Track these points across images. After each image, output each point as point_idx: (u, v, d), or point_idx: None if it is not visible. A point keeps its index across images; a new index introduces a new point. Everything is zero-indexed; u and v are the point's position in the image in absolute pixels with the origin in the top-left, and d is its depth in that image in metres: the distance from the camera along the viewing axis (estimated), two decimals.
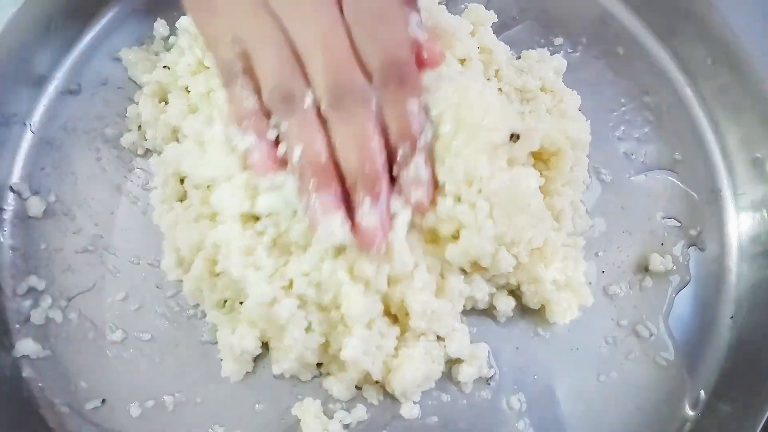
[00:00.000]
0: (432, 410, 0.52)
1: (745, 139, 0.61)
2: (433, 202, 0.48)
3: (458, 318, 0.52)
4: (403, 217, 0.47)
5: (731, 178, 0.62)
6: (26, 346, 0.51)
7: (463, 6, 0.63)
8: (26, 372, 0.51)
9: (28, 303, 0.53)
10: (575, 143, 0.56)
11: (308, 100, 0.46)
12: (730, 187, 0.61)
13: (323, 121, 0.46)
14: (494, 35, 0.60)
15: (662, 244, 0.59)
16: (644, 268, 0.58)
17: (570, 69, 0.63)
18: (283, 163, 0.47)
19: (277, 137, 0.48)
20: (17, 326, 0.52)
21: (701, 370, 0.55)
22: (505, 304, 0.54)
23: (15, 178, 0.56)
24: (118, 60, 0.60)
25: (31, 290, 0.53)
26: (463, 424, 0.52)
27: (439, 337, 0.51)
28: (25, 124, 0.57)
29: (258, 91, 0.48)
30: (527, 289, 0.53)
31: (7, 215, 0.55)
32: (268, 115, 0.48)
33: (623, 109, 0.64)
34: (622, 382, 0.54)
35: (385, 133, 0.46)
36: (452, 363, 0.53)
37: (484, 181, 0.49)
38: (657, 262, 0.57)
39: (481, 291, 0.53)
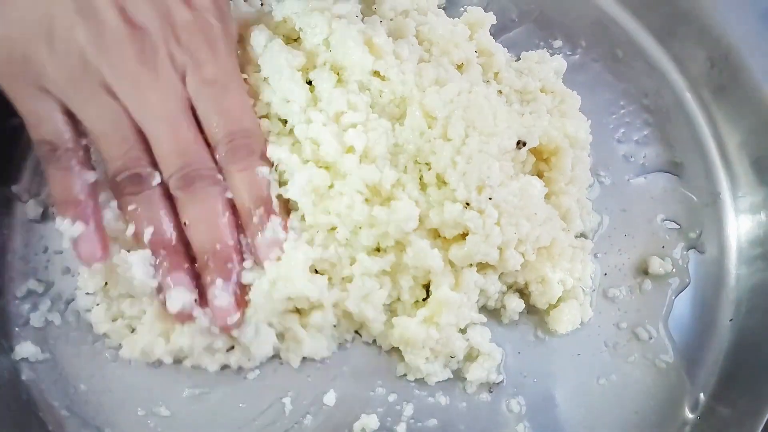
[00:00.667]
0: (431, 413, 0.52)
1: (745, 142, 0.61)
2: None
3: (475, 309, 0.53)
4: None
5: (731, 180, 0.62)
6: (25, 349, 0.51)
7: (462, 9, 0.63)
8: (26, 375, 0.51)
9: (27, 306, 0.53)
10: (575, 141, 0.56)
11: (155, 182, 0.46)
12: (730, 189, 0.62)
13: (171, 200, 0.47)
14: (493, 38, 0.60)
15: (663, 247, 0.59)
16: (644, 271, 0.58)
17: (569, 71, 0.63)
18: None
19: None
20: (17, 329, 0.52)
21: (701, 373, 0.55)
22: (515, 304, 0.54)
23: (15, 181, 0.56)
24: None
25: (31, 293, 0.53)
26: (462, 427, 0.52)
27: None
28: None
29: (84, 171, 0.48)
30: (535, 289, 0.53)
31: (7, 218, 0.55)
32: (94, 195, 0.48)
33: (622, 111, 0.64)
34: (622, 385, 0.54)
35: (234, 203, 0.48)
36: (464, 359, 0.53)
37: (495, 189, 0.49)
38: (656, 265, 0.57)
39: (493, 285, 0.53)
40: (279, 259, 0.48)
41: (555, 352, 0.55)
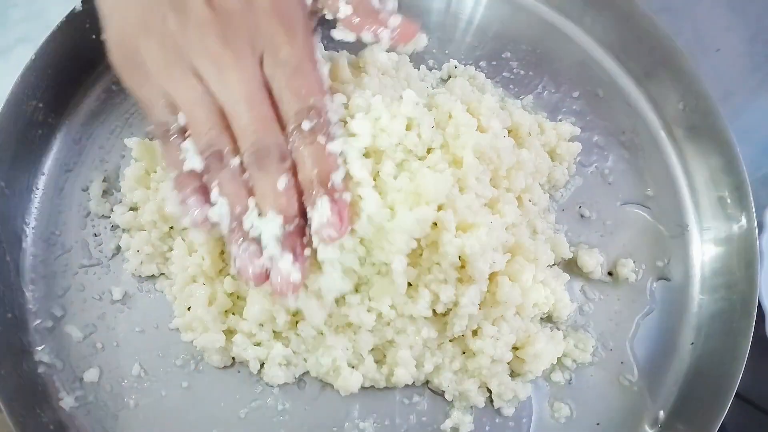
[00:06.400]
0: None
1: (712, 179, 0.66)
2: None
3: None
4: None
5: (698, 214, 0.66)
6: (42, 351, 0.56)
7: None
8: (41, 368, 0.56)
9: (44, 308, 0.57)
10: None
11: (235, 160, 0.49)
12: (697, 222, 0.66)
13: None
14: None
15: (632, 272, 0.63)
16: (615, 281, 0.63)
17: (553, 108, 0.69)
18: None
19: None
20: (34, 325, 0.57)
21: (661, 391, 0.60)
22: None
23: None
24: None
25: (50, 295, 0.58)
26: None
27: None
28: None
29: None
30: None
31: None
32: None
33: (601, 146, 0.69)
34: (587, 400, 0.59)
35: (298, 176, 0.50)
36: None
37: None
38: (626, 270, 0.62)
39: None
40: (332, 240, 0.49)
41: None
